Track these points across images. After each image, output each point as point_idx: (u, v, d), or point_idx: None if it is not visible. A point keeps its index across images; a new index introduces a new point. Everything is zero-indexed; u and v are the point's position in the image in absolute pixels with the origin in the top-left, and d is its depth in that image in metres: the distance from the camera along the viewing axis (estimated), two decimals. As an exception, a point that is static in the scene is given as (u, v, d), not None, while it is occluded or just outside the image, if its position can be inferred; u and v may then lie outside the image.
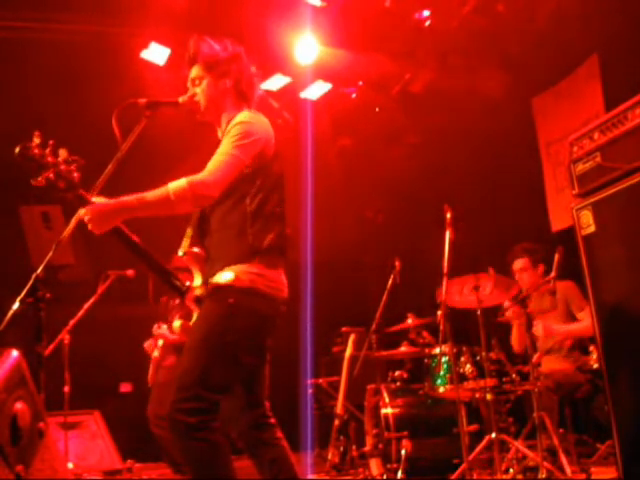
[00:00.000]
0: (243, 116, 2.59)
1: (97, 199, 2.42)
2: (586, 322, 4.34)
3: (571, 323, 4.55)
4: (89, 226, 2.40)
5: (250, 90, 2.76)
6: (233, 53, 2.71)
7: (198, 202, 2.47)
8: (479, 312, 4.03)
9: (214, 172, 2.45)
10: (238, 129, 2.53)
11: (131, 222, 2.47)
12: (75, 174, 2.39)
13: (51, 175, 2.34)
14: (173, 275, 2.60)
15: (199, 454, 2.36)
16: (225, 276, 2.48)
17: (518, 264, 4.80)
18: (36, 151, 2.34)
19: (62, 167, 2.37)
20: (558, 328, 4.50)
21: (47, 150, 2.36)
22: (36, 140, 2.34)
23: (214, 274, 2.52)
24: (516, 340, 4.79)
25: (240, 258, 2.49)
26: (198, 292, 2.56)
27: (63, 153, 2.39)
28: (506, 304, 4.47)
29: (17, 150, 2.31)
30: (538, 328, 4.48)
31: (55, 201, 6.23)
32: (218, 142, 2.67)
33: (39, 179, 2.34)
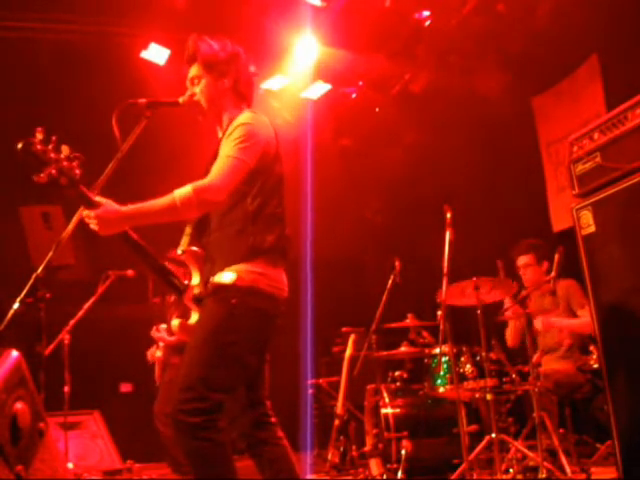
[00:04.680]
0: (245, 117, 2.57)
1: (99, 198, 2.40)
2: (585, 318, 4.35)
3: (571, 318, 4.55)
4: (94, 228, 2.39)
5: (249, 90, 2.76)
6: (232, 53, 2.70)
7: (204, 208, 2.45)
8: (479, 312, 4.03)
9: (219, 177, 2.43)
10: (240, 131, 2.51)
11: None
12: (77, 171, 2.36)
13: (53, 171, 2.30)
14: (171, 273, 2.60)
15: (202, 454, 2.35)
16: (227, 276, 2.47)
17: (523, 260, 4.81)
18: (39, 147, 2.30)
19: (64, 164, 2.33)
20: (557, 321, 4.50)
21: (50, 146, 2.33)
22: (39, 136, 2.31)
23: (214, 273, 2.51)
24: (510, 336, 4.81)
25: (241, 258, 2.48)
26: (196, 291, 2.56)
27: (65, 149, 2.36)
28: (507, 303, 4.47)
29: (19, 146, 2.27)
30: (538, 322, 4.49)
31: (55, 201, 6.23)
32: (218, 142, 2.67)
33: (41, 175, 2.30)
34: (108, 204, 2.40)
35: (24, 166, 2.31)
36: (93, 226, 2.39)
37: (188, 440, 2.35)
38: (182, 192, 2.39)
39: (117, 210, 2.39)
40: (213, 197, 2.41)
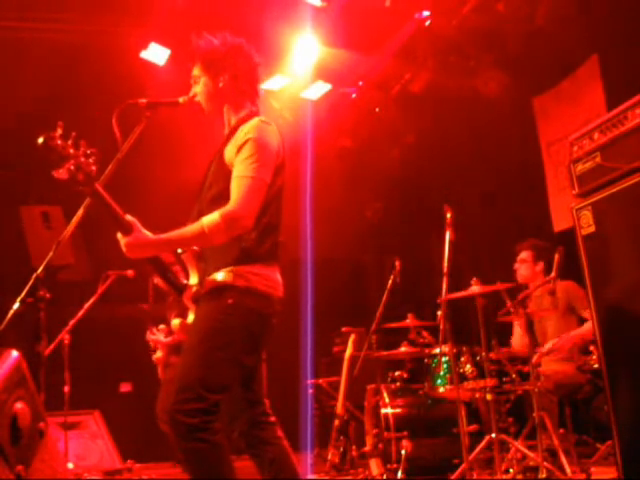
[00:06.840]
0: (254, 128, 2.53)
1: (129, 217, 2.41)
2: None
3: (579, 326, 4.54)
4: (124, 250, 2.42)
5: (251, 84, 2.72)
6: (232, 47, 2.67)
7: (232, 233, 2.44)
8: (479, 312, 4.03)
9: (243, 201, 2.42)
10: (251, 148, 2.48)
11: (134, 216, 2.47)
12: (93, 167, 2.36)
13: (72, 167, 2.31)
14: (172, 272, 2.61)
15: (199, 455, 2.35)
16: (222, 276, 2.48)
17: (522, 255, 4.89)
18: (59, 142, 2.30)
19: (82, 159, 2.34)
20: (569, 338, 4.48)
21: (69, 141, 2.33)
22: (59, 130, 2.31)
23: (209, 274, 2.52)
24: (517, 341, 4.80)
25: (236, 260, 2.49)
26: (194, 290, 2.56)
27: (83, 145, 2.36)
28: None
29: (41, 140, 2.27)
30: (550, 344, 4.48)
31: (55, 201, 6.23)
32: (224, 137, 2.65)
33: (61, 171, 2.30)
34: (138, 229, 2.41)
35: (44, 160, 2.30)
36: (125, 251, 2.42)
37: (185, 441, 2.36)
38: (210, 220, 2.40)
39: (147, 238, 2.42)
40: (240, 223, 2.42)
